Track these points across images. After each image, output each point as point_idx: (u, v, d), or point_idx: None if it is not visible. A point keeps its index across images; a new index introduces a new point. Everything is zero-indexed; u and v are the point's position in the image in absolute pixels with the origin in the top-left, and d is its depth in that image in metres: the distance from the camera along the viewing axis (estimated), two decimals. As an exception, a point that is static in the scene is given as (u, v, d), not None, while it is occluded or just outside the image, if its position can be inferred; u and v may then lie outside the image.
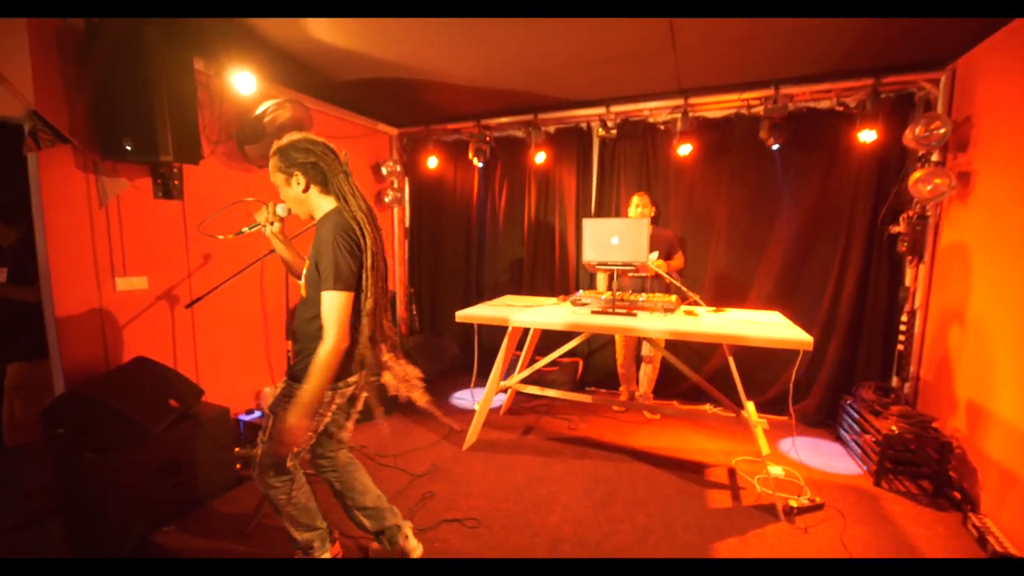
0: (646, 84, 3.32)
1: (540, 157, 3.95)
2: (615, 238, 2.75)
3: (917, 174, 2.73)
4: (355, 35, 2.56)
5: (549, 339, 3.56)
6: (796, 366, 2.55)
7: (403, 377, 1.73)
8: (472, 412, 3.22)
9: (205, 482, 2.34)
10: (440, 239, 4.72)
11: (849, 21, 2.34)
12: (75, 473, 1.96)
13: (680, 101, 3.46)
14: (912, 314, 3.04)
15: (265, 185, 1.77)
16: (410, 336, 4.75)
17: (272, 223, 1.75)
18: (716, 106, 3.50)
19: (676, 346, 3.43)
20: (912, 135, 2.73)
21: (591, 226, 2.85)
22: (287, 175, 1.58)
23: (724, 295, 3.55)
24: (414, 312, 4.84)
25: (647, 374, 3.63)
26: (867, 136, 3.00)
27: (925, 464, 2.52)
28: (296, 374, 1.57)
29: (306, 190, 1.59)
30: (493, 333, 3.27)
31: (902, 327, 3.12)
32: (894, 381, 3.20)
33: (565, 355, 3.33)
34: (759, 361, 3.37)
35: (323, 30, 2.49)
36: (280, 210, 1.74)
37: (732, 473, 2.73)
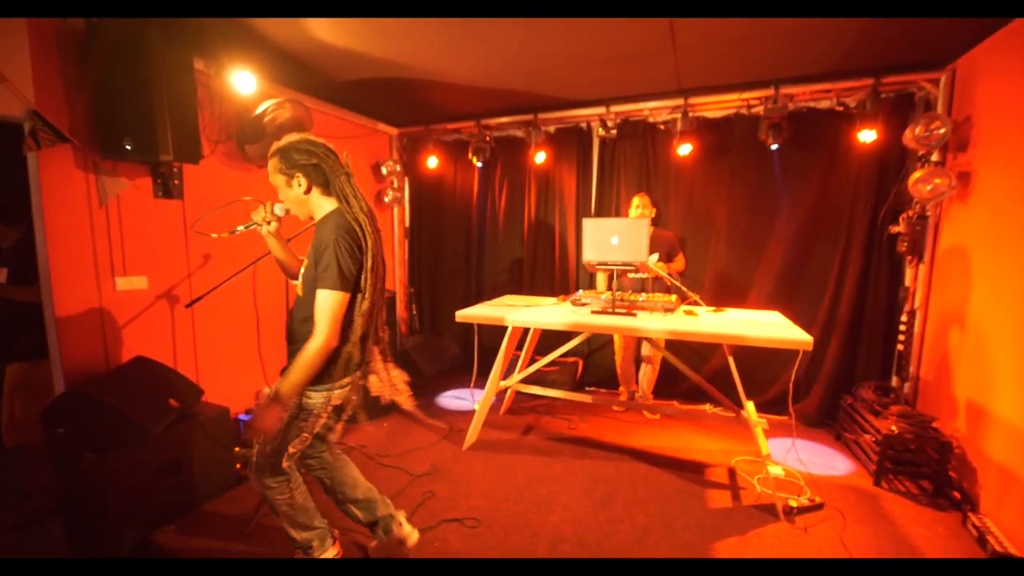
0: (646, 84, 3.32)
1: (540, 157, 3.95)
2: (615, 238, 2.75)
3: (917, 174, 2.73)
4: (355, 35, 2.56)
5: (549, 339, 3.56)
6: (796, 366, 2.55)
7: (388, 380, 1.72)
8: (472, 412, 3.22)
9: (205, 482, 2.34)
10: (440, 239, 4.72)
11: (849, 21, 2.34)
12: (75, 473, 1.96)
13: (680, 101, 3.46)
14: (912, 314, 3.04)
15: (265, 185, 1.76)
16: (410, 336, 4.75)
17: (269, 222, 1.75)
18: (716, 106, 3.50)
19: (676, 346, 3.42)
20: (912, 135, 2.74)
21: (591, 226, 2.85)
22: (288, 176, 1.58)
23: (724, 295, 3.56)
24: (414, 312, 4.84)
25: (647, 374, 3.63)
26: (867, 136, 3.01)
27: (925, 464, 2.52)
28: None
29: (308, 191, 1.59)
30: (493, 333, 3.27)
31: (902, 327, 3.12)
32: (894, 381, 3.20)
33: (565, 355, 3.33)
34: (759, 361, 3.37)
35: (323, 30, 2.49)
36: (278, 210, 1.74)
37: (732, 473, 2.73)
